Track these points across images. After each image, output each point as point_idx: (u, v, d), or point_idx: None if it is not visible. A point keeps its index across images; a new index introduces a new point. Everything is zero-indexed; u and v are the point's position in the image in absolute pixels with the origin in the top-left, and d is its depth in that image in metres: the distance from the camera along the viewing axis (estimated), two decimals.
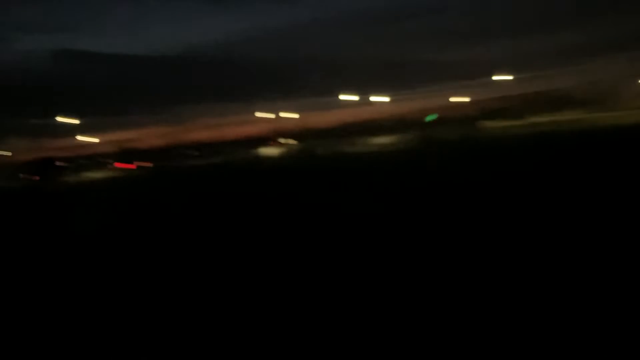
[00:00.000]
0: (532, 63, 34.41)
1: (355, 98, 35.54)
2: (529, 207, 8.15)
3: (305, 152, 33.65)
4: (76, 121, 34.91)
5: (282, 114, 37.71)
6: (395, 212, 9.37)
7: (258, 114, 38.02)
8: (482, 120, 34.21)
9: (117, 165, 35.08)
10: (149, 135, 35.16)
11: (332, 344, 3.73)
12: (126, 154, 34.98)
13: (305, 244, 7.62)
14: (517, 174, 12.87)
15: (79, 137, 33.76)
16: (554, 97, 35.07)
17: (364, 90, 35.27)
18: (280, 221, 10.14)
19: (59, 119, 34.38)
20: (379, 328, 3.89)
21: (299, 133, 36.65)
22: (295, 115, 38.12)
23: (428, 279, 4.96)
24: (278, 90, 40.70)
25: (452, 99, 35.30)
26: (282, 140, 36.74)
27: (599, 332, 3.07)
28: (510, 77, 33.79)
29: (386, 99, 34.96)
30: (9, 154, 31.99)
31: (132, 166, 34.18)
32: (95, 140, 34.66)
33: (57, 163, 35.03)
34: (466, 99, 35.08)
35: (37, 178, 31.26)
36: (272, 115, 38.50)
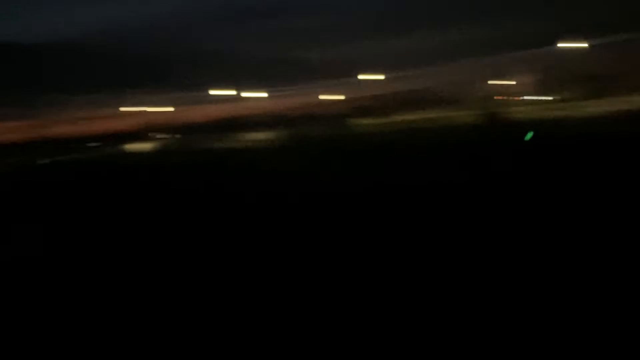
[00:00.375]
0: (400, 63, 36.18)
1: (230, 93, 35.19)
2: (397, 204, 8.46)
3: (177, 148, 32.77)
4: None
5: (154, 108, 36.38)
6: (268, 209, 9.41)
7: (127, 108, 36.32)
8: (352, 118, 35.40)
9: None
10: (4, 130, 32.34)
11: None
12: None
13: (168, 243, 7.46)
14: (385, 171, 13.44)
15: None
16: (418, 96, 37.15)
17: (238, 85, 35.01)
18: (146, 220, 9.81)
19: None
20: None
21: (171, 128, 35.60)
22: (168, 109, 37.00)
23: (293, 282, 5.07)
24: (149, 83, 39.15)
25: (324, 97, 36.18)
26: (152, 135, 35.46)
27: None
28: (379, 77, 35.27)
29: (261, 95, 34.97)
30: None
31: None
32: None
33: None
34: (338, 97, 36.11)
35: None
36: (142, 109, 36.99)
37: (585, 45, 37.12)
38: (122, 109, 36.66)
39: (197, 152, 31.03)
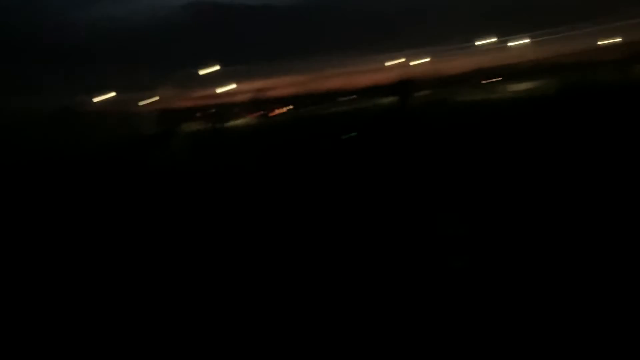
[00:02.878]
0: None
1: (493, 40, 33.70)
2: None
3: (436, 101, 32.60)
4: (212, 70, 36.24)
5: (412, 62, 36.67)
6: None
7: (386, 62, 37.26)
8: (635, 64, 31.14)
9: (252, 114, 36.18)
10: (282, 84, 35.75)
11: None
12: (261, 103, 35.90)
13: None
14: None
15: (218, 88, 35.02)
16: None
17: (501, 32, 33.29)
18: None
19: (199, 70, 35.85)
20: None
21: (430, 80, 35.54)
22: (426, 60, 36.98)
23: None
24: (406, 36, 39.56)
25: (601, 41, 32.42)
26: (411, 89, 35.82)
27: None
28: None
29: (526, 41, 32.81)
30: (154, 102, 33.85)
31: (266, 114, 35.15)
32: (232, 88, 35.86)
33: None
34: (618, 40, 32.06)
35: None
36: (401, 61, 37.58)
37: None
38: (380, 63, 37.75)
39: (458, 104, 30.52)
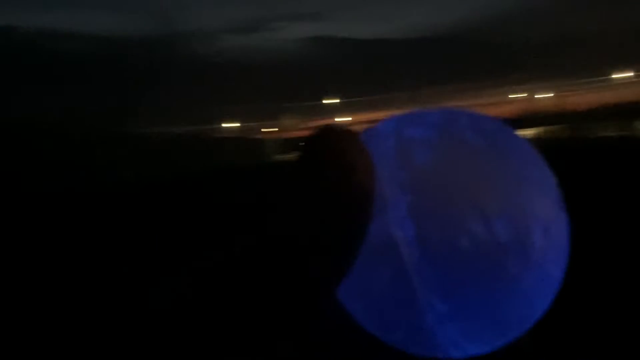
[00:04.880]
0: None
1: (629, 75, 31.53)
2: None
3: (562, 137, 30.88)
4: (336, 101, 37.17)
5: (537, 95, 35.38)
6: None
7: (510, 95, 36.19)
8: None
9: None
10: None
11: None
12: None
13: None
14: None
15: (337, 118, 35.82)
16: None
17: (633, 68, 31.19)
18: None
19: (324, 100, 36.90)
20: None
21: (555, 115, 33.98)
22: (551, 95, 35.56)
23: None
24: (532, 70, 38.30)
25: None
26: (535, 122, 34.37)
27: None
28: None
29: None
30: (277, 130, 35.30)
31: None
32: (351, 119, 36.61)
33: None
34: None
35: None
36: (524, 95, 36.40)
37: None
38: (503, 96, 36.79)
39: (581, 140, 28.65)
